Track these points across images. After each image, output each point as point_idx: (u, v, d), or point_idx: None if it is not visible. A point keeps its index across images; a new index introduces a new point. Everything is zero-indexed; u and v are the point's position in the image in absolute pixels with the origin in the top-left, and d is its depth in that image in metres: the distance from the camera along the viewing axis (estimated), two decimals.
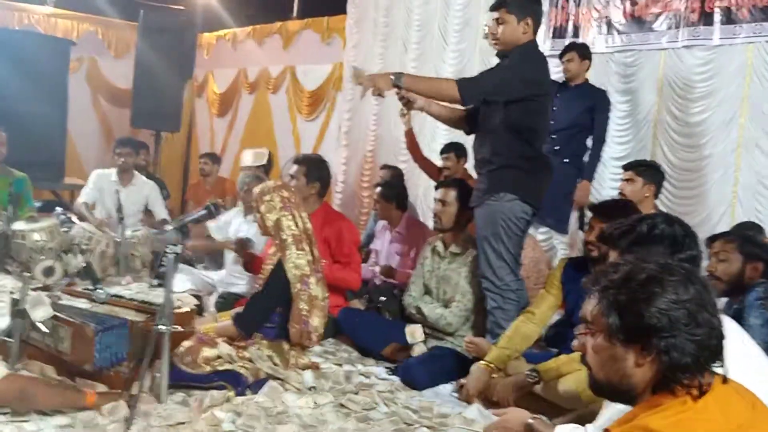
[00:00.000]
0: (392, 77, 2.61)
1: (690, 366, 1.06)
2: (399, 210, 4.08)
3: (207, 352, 2.37)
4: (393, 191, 4.10)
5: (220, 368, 2.36)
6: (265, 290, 2.59)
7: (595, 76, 4.31)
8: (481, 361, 2.53)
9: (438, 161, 4.63)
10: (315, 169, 3.40)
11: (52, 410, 2.08)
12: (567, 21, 4.71)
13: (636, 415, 1.09)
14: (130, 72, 6.94)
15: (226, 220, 3.94)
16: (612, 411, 1.50)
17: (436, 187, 3.18)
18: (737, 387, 1.13)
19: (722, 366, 1.10)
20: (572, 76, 4.04)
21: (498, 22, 2.71)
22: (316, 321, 2.57)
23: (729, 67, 3.90)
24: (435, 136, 5.40)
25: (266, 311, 2.58)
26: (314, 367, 2.68)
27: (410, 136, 4.39)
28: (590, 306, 1.14)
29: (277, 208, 2.55)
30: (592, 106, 3.98)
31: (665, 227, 1.63)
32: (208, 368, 2.35)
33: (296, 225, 2.56)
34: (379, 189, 4.14)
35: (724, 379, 1.10)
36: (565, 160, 3.95)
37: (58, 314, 2.32)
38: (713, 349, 1.08)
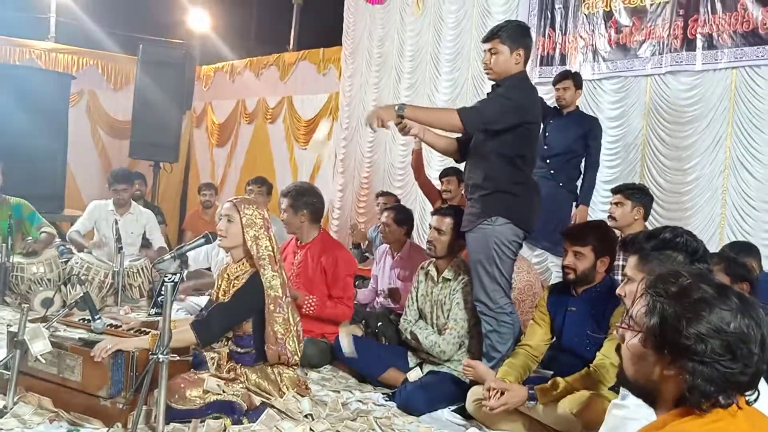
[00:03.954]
0: (396, 108, 2.69)
1: (712, 395, 1.07)
2: (406, 235, 4.06)
3: (194, 391, 2.35)
4: (404, 215, 4.06)
5: (211, 400, 2.35)
6: (234, 300, 2.52)
7: (582, 102, 4.40)
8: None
9: (434, 184, 4.69)
10: (298, 197, 3.41)
11: None
12: (554, 49, 4.83)
13: (666, 422, 1.10)
14: (129, 104, 7.06)
15: (214, 246, 3.95)
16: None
17: (433, 214, 3.21)
18: (760, 413, 1.16)
19: (754, 392, 1.11)
20: (566, 104, 4.06)
21: (491, 52, 2.80)
22: (292, 345, 2.58)
23: (713, 91, 3.99)
24: (430, 162, 5.48)
25: (229, 322, 2.52)
26: (303, 384, 2.67)
27: (418, 155, 4.41)
28: (638, 305, 1.17)
29: (257, 225, 2.59)
30: (586, 133, 4.02)
31: (688, 238, 1.74)
32: (199, 401, 2.33)
33: (271, 247, 2.60)
34: (392, 213, 4.01)
35: (748, 403, 1.12)
36: (560, 185, 4.01)
37: (64, 343, 2.33)
38: (742, 384, 1.08)
